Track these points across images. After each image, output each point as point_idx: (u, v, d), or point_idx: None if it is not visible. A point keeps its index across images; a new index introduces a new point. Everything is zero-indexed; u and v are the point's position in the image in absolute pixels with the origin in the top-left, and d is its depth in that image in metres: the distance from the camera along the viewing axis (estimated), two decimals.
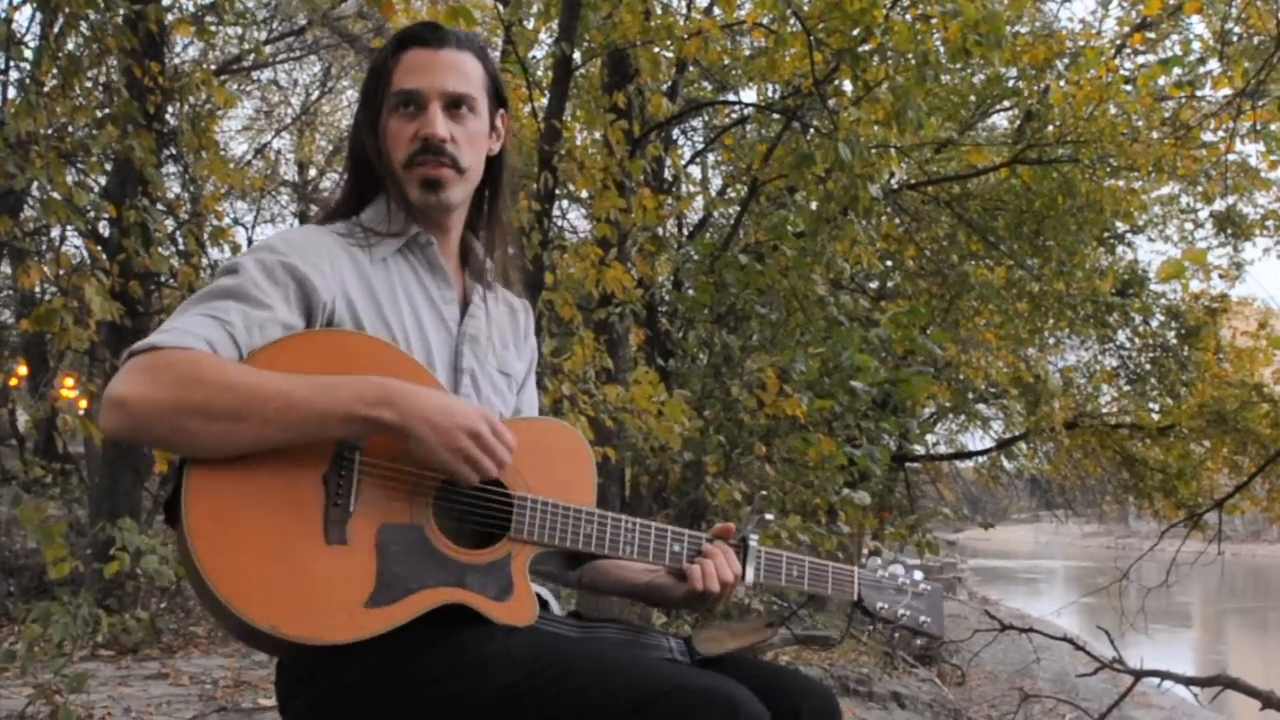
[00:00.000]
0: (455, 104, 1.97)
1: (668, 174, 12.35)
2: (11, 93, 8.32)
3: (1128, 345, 16.72)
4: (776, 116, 11.44)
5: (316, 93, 17.51)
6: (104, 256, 7.38)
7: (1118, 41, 13.56)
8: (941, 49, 7.88)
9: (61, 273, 7.55)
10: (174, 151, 8.93)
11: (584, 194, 11.29)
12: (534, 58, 10.43)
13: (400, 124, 1.96)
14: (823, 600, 10.67)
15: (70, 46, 6.59)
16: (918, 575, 2.23)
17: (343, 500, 1.73)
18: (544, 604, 1.99)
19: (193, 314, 1.74)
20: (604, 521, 1.93)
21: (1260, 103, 9.87)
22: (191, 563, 1.64)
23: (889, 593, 2.19)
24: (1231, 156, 13.16)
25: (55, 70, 6.34)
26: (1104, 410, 17.19)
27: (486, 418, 1.78)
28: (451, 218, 2.05)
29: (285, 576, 1.67)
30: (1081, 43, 13.00)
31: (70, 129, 7.60)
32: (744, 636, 2.03)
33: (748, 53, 12.70)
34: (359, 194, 2.05)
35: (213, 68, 11.62)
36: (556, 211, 12.26)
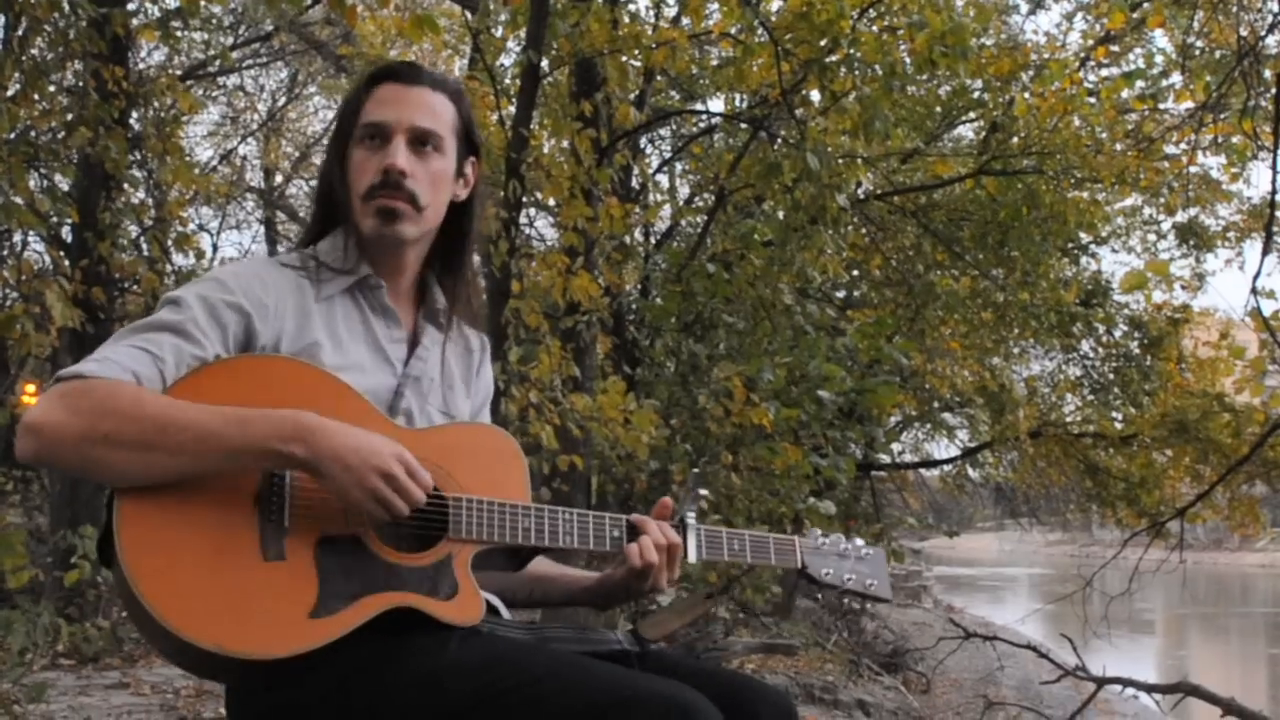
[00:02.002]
0: (421, 140, 1.97)
1: (635, 183, 12.37)
2: None
3: (1091, 355, 16.81)
4: (744, 126, 11.48)
5: (283, 99, 17.45)
6: (66, 262, 7.32)
7: (1082, 54, 13.68)
8: (908, 60, 7.93)
9: (23, 278, 7.47)
10: (139, 157, 8.86)
11: (551, 202, 11.30)
12: (502, 66, 10.42)
13: (365, 155, 1.97)
14: (787, 608, 10.69)
15: (34, 50, 6.54)
16: (859, 541, 2.22)
17: (276, 516, 1.73)
18: (494, 610, 1.99)
19: (125, 345, 1.76)
20: (540, 514, 1.93)
21: (1222, 116, 9.99)
22: (130, 592, 1.62)
23: (832, 558, 2.19)
24: (1193, 169, 13.30)
25: (18, 74, 6.28)
26: (1068, 419, 17.25)
27: (400, 456, 1.76)
28: (406, 256, 2.03)
29: (226, 595, 1.65)
30: (1046, 55, 13.12)
31: (34, 133, 7.54)
32: (686, 613, 2.04)
33: (715, 62, 12.74)
34: (321, 225, 2.06)
35: (178, 73, 11.56)
36: (524, 220, 12.25)
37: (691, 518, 2.08)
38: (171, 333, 1.77)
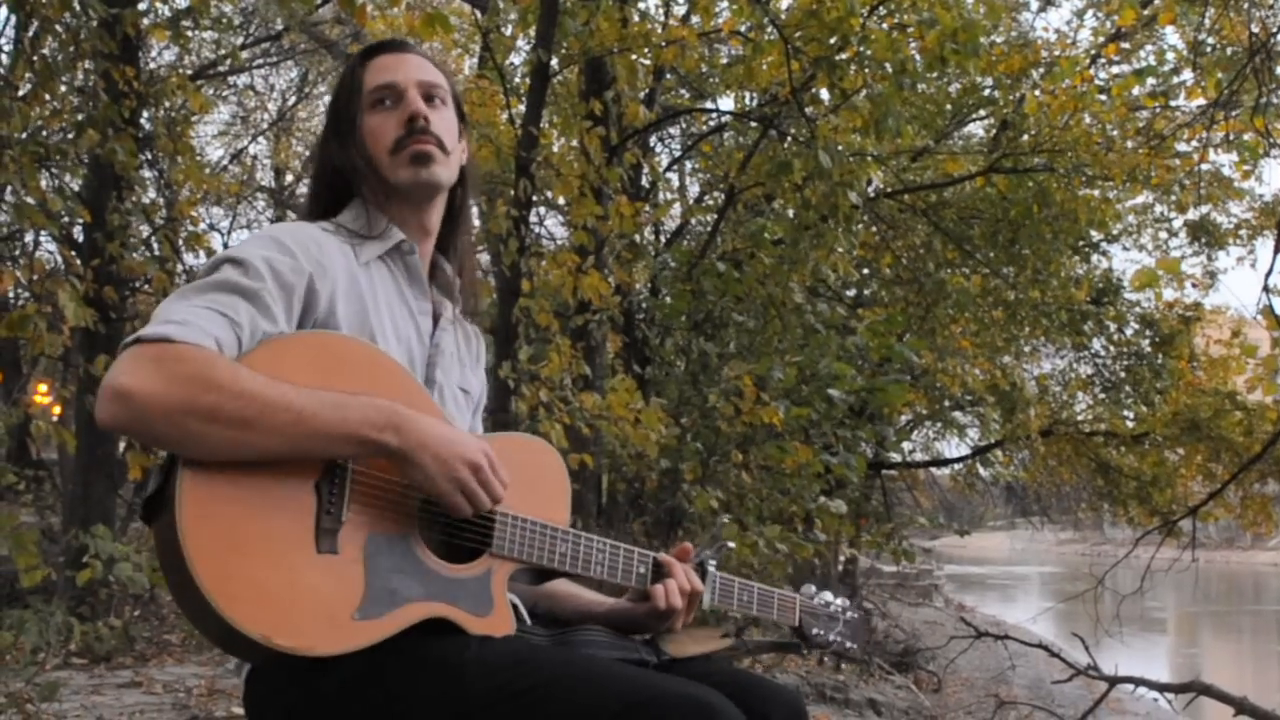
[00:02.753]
0: (429, 94, 2.02)
1: (645, 181, 12.38)
2: None
3: (1102, 353, 16.78)
4: (754, 124, 11.47)
5: (293, 98, 17.46)
6: (78, 262, 7.33)
7: (1092, 52, 13.65)
8: (918, 58, 7.92)
9: (35, 278, 7.50)
10: (150, 156, 8.88)
11: (561, 201, 11.31)
12: (512, 65, 10.43)
13: (381, 118, 1.99)
14: None
15: (45, 51, 6.55)
16: (844, 602, 2.43)
17: (335, 509, 1.70)
18: (517, 614, 1.99)
19: (200, 306, 1.69)
20: (578, 541, 1.96)
21: (1233, 113, 9.95)
22: (180, 564, 1.58)
23: (823, 620, 2.38)
24: (1205, 166, 13.27)
25: (29, 74, 6.30)
26: (1079, 418, 17.23)
27: (486, 452, 1.78)
28: (431, 217, 2.05)
29: (276, 584, 1.64)
30: (1057, 52, 13.08)
31: (45, 133, 7.55)
32: (704, 643, 2.12)
33: (725, 60, 12.73)
34: (334, 200, 2.05)
35: (189, 73, 11.57)
36: (534, 218, 12.26)
37: (712, 565, 2.16)
38: (245, 298, 1.72)
